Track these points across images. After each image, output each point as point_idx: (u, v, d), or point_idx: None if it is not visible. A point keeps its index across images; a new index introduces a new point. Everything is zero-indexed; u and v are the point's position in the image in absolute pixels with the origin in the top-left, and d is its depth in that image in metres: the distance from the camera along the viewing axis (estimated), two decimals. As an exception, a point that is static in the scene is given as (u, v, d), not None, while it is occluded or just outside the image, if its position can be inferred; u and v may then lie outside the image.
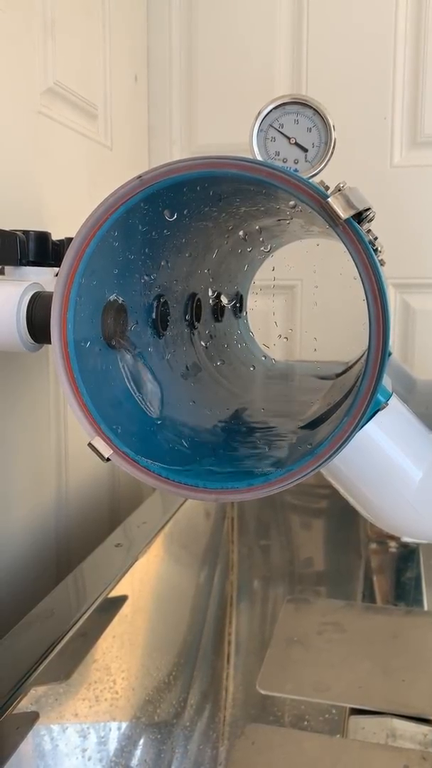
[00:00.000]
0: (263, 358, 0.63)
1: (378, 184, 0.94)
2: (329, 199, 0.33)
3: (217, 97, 0.97)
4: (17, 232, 0.48)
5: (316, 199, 0.33)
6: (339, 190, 0.33)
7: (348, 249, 0.33)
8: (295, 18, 0.95)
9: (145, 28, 0.97)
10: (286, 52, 0.96)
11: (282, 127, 0.48)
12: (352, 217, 0.33)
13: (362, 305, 0.34)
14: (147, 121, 0.99)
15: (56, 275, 0.36)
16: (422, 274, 0.96)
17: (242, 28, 0.96)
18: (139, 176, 0.34)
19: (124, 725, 0.56)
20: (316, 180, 0.43)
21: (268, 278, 0.67)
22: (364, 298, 0.33)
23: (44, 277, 0.48)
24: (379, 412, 0.41)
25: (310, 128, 0.48)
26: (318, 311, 0.96)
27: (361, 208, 0.33)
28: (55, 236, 0.51)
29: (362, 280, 0.33)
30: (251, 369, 0.60)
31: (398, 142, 0.95)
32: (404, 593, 0.81)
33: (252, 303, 0.66)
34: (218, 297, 0.56)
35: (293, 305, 0.99)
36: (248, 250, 0.55)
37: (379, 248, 0.56)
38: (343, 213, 0.33)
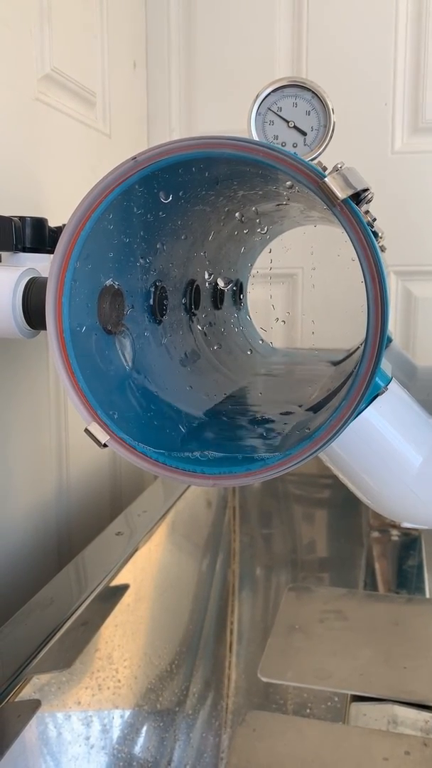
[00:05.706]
0: (260, 342, 0.63)
1: (379, 171, 0.94)
2: (326, 179, 0.32)
3: (216, 84, 0.96)
4: (13, 218, 0.47)
5: (313, 179, 0.33)
6: (336, 170, 0.33)
7: (345, 230, 0.33)
8: (295, 3, 0.94)
9: (144, 13, 0.96)
10: (286, 38, 0.95)
11: (280, 111, 0.47)
12: (350, 197, 0.32)
13: (362, 294, 0.33)
14: (146, 108, 0.98)
15: (52, 261, 0.35)
16: (424, 261, 0.95)
17: (242, 14, 0.95)
18: (134, 157, 0.34)
19: (127, 713, 0.56)
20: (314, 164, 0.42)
21: (268, 266, 0.67)
22: (362, 279, 0.33)
23: (41, 264, 0.48)
24: (378, 397, 0.41)
25: (309, 111, 0.47)
26: (319, 300, 0.96)
27: (359, 188, 0.32)
28: (53, 223, 0.51)
29: (360, 261, 0.32)
30: (248, 353, 0.60)
31: (399, 128, 0.94)
32: (406, 581, 0.81)
33: (252, 291, 0.65)
34: (216, 282, 0.55)
35: (294, 293, 0.99)
36: (245, 232, 0.55)
37: (379, 233, 0.55)
38: (341, 193, 0.32)
